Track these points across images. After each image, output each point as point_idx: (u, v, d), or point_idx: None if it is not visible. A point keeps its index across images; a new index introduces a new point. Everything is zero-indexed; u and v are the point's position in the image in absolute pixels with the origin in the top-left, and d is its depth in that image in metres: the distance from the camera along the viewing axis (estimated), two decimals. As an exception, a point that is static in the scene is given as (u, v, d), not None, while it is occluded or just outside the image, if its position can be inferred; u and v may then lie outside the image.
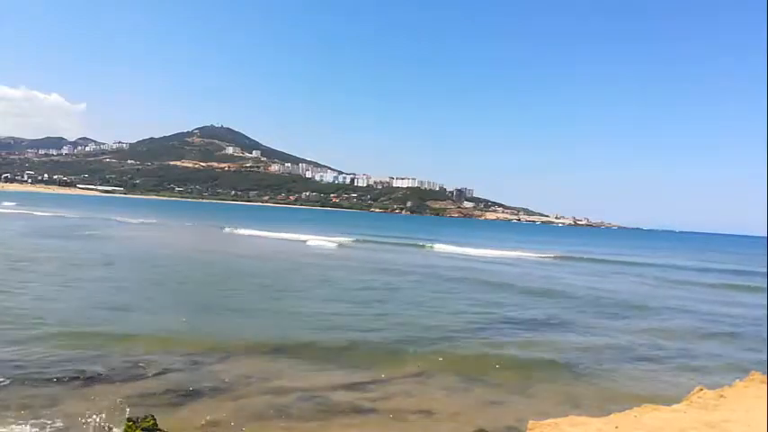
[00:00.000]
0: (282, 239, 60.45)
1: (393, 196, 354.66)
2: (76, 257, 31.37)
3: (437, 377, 13.58)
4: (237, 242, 55.25)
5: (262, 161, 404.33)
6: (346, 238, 66.00)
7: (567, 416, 9.01)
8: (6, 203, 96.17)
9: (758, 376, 11.08)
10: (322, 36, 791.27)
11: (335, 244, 57.98)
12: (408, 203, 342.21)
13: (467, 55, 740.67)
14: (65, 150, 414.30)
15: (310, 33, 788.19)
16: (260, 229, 69.13)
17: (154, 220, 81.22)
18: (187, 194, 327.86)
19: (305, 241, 58.22)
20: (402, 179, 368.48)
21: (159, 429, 8.81)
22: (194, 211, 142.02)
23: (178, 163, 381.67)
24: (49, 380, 11.23)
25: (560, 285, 33.79)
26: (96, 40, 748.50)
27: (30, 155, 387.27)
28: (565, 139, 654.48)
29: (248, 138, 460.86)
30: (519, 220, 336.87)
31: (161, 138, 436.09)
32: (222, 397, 11.14)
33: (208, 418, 10.00)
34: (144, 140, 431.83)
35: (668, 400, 10.16)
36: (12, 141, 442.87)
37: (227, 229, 69.32)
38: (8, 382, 10.95)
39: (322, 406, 11.04)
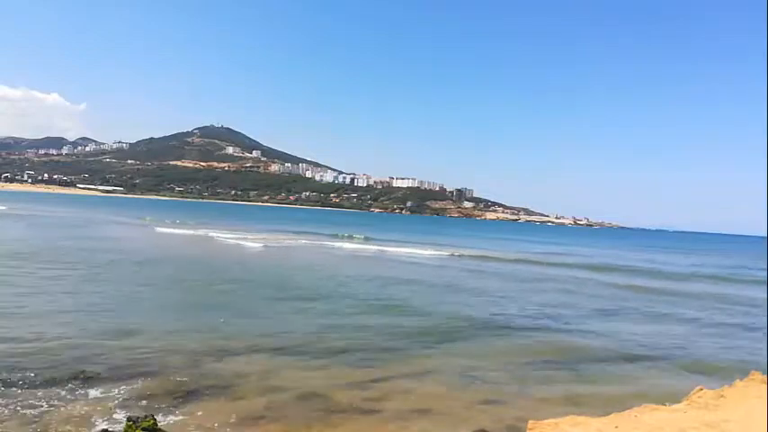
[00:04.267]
0: (196, 235, 57.89)
1: (393, 196, 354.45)
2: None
3: (437, 377, 13.59)
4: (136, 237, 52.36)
5: (262, 161, 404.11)
6: (267, 235, 62.06)
7: (567, 416, 9.00)
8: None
9: (758, 376, 11.07)
10: (322, 36, 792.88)
11: (241, 239, 54.57)
12: (408, 203, 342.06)
13: (467, 55, 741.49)
14: (65, 150, 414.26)
15: (310, 33, 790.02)
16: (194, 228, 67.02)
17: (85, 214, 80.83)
18: (187, 194, 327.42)
19: (213, 237, 55.57)
20: (402, 179, 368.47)
21: (159, 429, 8.80)
22: (167, 210, 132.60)
23: (178, 163, 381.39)
24: (49, 380, 11.21)
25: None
26: (96, 40, 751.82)
27: (30, 155, 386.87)
28: (565, 140, 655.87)
29: (248, 138, 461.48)
30: (519, 219, 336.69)
31: (161, 138, 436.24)
32: (222, 397, 11.14)
33: (208, 418, 10.00)
34: (144, 140, 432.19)
35: (668, 400, 10.15)
36: (12, 141, 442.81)
37: (158, 228, 65.15)
38: (8, 382, 10.93)
39: (322, 406, 11.05)
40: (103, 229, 58.98)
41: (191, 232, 60.90)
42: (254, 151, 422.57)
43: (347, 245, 59.27)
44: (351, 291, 26.76)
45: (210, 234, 58.64)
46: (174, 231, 61.72)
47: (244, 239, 54.24)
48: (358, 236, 73.31)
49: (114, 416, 9.69)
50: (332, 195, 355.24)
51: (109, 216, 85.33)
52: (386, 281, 31.50)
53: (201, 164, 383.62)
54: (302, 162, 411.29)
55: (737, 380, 11.09)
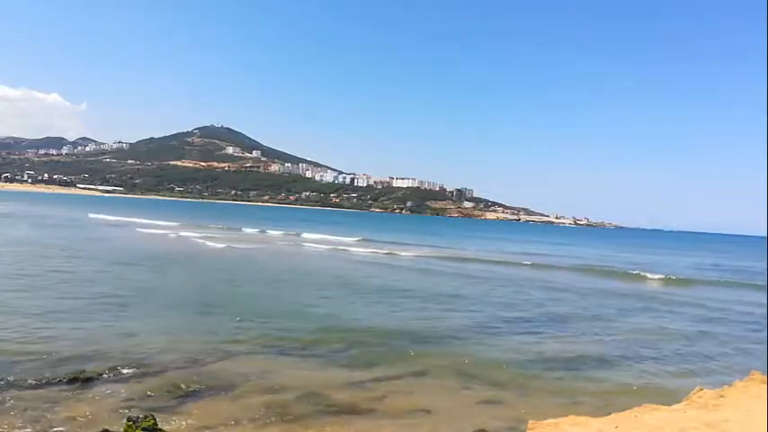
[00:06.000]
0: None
1: (393, 196, 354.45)
2: None
3: (437, 377, 13.58)
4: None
5: (262, 161, 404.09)
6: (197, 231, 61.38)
7: (566, 416, 9.00)
8: None
9: (758, 376, 11.06)
10: (322, 36, 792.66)
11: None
12: (408, 203, 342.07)
13: (466, 55, 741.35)
14: (65, 150, 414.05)
15: (310, 33, 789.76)
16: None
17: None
18: (187, 194, 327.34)
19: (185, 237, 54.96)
20: (402, 179, 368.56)
21: (159, 429, 8.79)
22: (166, 210, 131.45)
23: (178, 163, 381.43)
24: (49, 380, 11.21)
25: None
26: (96, 40, 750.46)
27: (30, 155, 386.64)
28: (565, 140, 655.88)
29: (248, 138, 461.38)
30: (519, 220, 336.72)
31: (161, 138, 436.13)
32: (222, 397, 11.14)
33: (208, 418, 9.99)
34: (144, 140, 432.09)
35: (668, 400, 10.14)
36: (12, 141, 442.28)
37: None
38: (7, 382, 10.92)
39: (322, 406, 11.05)
40: (94, 230, 58.52)
41: (165, 232, 59.87)
42: (254, 151, 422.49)
43: (322, 246, 56.53)
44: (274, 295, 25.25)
45: (183, 234, 57.56)
46: (154, 232, 60.62)
47: (210, 239, 52.72)
48: (351, 238, 70.27)
49: (114, 416, 9.68)
50: (332, 195, 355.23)
51: (108, 216, 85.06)
52: (370, 284, 31.37)
53: (201, 164, 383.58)
54: (302, 162, 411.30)
55: (737, 380, 11.09)
